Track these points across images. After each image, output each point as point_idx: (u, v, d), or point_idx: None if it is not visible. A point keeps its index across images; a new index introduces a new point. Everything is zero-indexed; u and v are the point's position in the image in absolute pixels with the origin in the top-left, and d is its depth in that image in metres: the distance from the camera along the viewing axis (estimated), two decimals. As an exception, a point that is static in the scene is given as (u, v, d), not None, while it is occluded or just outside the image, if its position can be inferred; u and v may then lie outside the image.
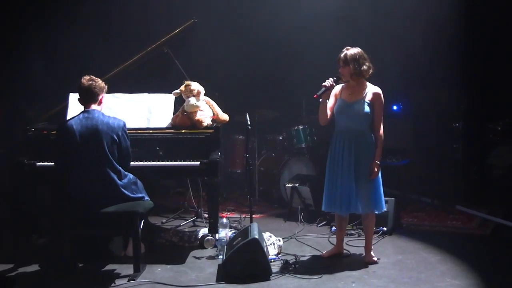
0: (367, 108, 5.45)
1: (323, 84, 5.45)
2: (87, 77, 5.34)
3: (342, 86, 5.64)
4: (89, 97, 5.32)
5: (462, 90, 8.72)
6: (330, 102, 5.63)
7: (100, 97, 5.37)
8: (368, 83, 5.56)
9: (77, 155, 5.17)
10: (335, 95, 5.65)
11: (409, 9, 8.42)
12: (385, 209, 5.71)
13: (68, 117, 5.82)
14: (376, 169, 5.44)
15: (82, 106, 5.38)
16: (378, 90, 5.53)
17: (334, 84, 5.50)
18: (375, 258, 5.62)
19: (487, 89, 8.66)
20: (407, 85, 9.01)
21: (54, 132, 5.73)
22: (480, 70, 8.66)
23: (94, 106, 5.33)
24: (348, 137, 5.50)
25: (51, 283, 5.10)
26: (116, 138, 5.22)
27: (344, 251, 5.89)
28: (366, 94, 5.49)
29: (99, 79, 5.39)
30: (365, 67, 5.43)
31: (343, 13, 8.67)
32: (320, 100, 5.52)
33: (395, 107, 9.25)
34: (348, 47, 5.50)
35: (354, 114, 5.48)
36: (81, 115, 5.28)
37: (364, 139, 5.48)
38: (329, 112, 5.60)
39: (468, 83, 8.70)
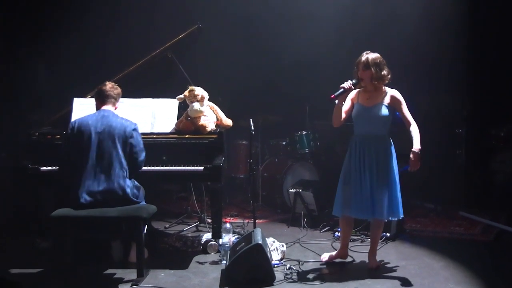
0: (385, 111, 5.46)
1: (341, 85, 5.40)
2: (110, 84, 5.56)
3: (359, 91, 5.61)
4: (108, 101, 5.49)
5: (465, 96, 8.72)
6: (346, 106, 5.59)
7: (117, 103, 5.57)
8: (385, 87, 5.55)
9: (90, 150, 5.23)
10: (352, 100, 5.62)
11: (412, 15, 8.43)
12: (402, 216, 5.63)
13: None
14: (417, 159, 5.42)
15: (95, 108, 5.55)
16: (394, 92, 5.54)
17: (353, 87, 5.44)
18: (378, 263, 5.63)
19: (490, 94, 8.65)
20: (410, 91, 8.95)
21: (58, 136, 5.80)
22: (483, 75, 8.66)
23: (109, 107, 5.48)
24: (367, 141, 5.49)
25: (55, 287, 5.09)
26: (129, 137, 5.32)
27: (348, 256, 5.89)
28: (384, 98, 5.49)
29: (118, 87, 5.59)
30: (385, 72, 5.44)
31: (346, 20, 8.69)
32: (336, 101, 5.47)
33: (397, 113, 9.23)
34: (368, 51, 5.50)
35: (373, 118, 5.48)
36: (97, 113, 5.43)
37: (383, 143, 5.49)
38: (343, 115, 5.57)
39: (471, 89, 8.70)
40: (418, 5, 8.47)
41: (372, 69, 5.40)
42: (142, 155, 5.48)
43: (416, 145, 5.45)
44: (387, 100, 5.50)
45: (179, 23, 7.48)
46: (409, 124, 5.53)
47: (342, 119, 5.56)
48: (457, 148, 8.65)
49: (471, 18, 8.60)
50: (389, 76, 5.49)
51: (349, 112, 5.61)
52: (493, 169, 8.51)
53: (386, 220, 5.63)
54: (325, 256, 5.78)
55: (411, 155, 5.42)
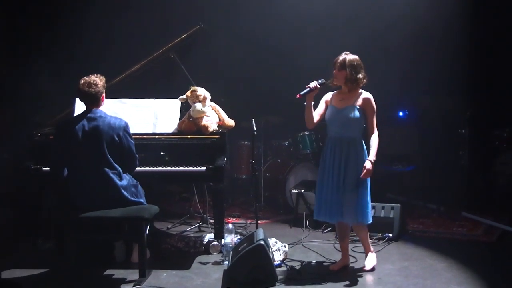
0: (356, 113, 5.36)
1: (308, 85, 5.38)
2: (85, 82, 5.27)
3: (333, 93, 5.59)
4: (89, 101, 5.31)
5: (468, 96, 8.71)
6: (320, 109, 5.58)
7: (101, 97, 5.36)
8: (360, 90, 5.47)
9: (77, 154, 5.18)
10: (326, 102, 5.60)
11: (414, 15, 8.44)
12: (370, 222, 5.49)
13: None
14: (368, 167, 5.25)
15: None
16: (368, 95, 5.44)
17: (319, 87, 5.39)
18: (371, 266, 5.56)
19: (493, 95, 8.65)
20: (413, 91, 9.00)
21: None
22: (486, 76, 8.66)
23: (96, 106, 5.33)
24: (338, 144, 5.42)
25: (57, 288, 5.10)
26: (117, 138, 5.21)
27: (351, 257, 5.84)
28: (356, 100, 5.41)
29: (97, 80, 5.30)
30: (360, 75, 5.36)
31: (348, 20, 8.72)
32: (305, 103, 5.46)
33: (401, 113, 9.25)
34: (347, 52, 5.45)
35: (344, 120, 5.40)
36: (83, 114, 5.30)
37: (354, 146, 5.38)
38: (317, 117, 5.54)
39: (474, 89, 8.70)
40: (420, 7, 8.47)
41: (347, 70, 5.34)
42: (132, 153, 5.39)
43: (372, 156, 5.31)
44: (359, 102, 5.40)
45: (181, 24, 7.48)
46: (372, 132, 5.40)
47: (315, 120, 5.53)
48: (459, 149, 8.63)
49: (474, 19, 8.59)
50: (365, 80, 5.41)
51: (324, 114, 5.59)
52: (496, 170, 8.50)
53: (361, 224, 5.50)
54: (333, 268, 5.65)
55: (368, 164, 5.27)
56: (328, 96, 5.62)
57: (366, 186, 5.39)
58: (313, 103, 5.48)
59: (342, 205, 5.37)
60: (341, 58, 5.40)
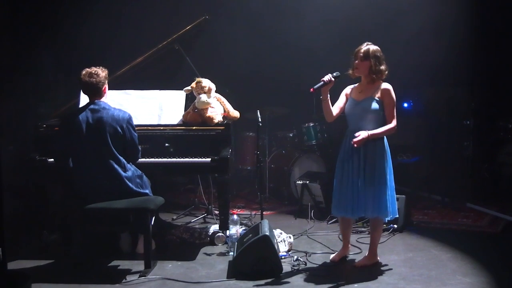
0: (375, 105, 5.24)
1: (322, 79, 5.26)
2: (86, 72, 5.27)
3: (354, 86, 5.49)
4: (92, 92, 5.31)
5: (473, 87, 8.69)
6: (340, 102, 5.49)
7: (103, 88, 5.35)
8: (381, 81, 5.34)
9: (81, 146, 5.19)
10: (346, 95, 5.50)
11: (419, 7, 8.41)
12: (388, 218, 5.36)
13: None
14: (360, 137, 5.09)
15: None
16: (387, 86, 5.31)
17: (333, 80, 5.25)
18: (361, 264, 5.47)
19: (498, 86, 8.63)
20: (418, 82, 8.98)
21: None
22: (491, 67, 8.63)
23: (99, 98, 5.33)
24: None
25: (63, 279, 5.09)
26: (120, 130, 5.20)
27: (355, 248, 5.87)
28: (375, 92, 5.28)
29: (99, 70, 5.30)
30: (383, 67, 5.25)
31: (353, 11, 8.69)
32: (321, 97, 5.38)
33: (405, 105, 9.23)
34: (369, 42, 5.32)
35: (362, 112, 5.28)
36: (86, 106, 5.30)
37: (373, 140, 5.22)
38: (337, 111, 5.45)
39: (479, 80, 8.67)
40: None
41: (372, 60, 5.22)
42: (135, 146, 5.39)
43: (372, 132, 5.17)
44: (378, 93, 5.28)
45: (186, 15, 7.47)
46: (389, 123, 5.26)
47: (335, 113, 5.44)
48: (464, 140, 8.63)
49: (479, 10, 8.56)
50: (387, 72, 5.28)
51: (344, 107, 5.49)
52: (500, 160, 8.50)
53: (386, 219, 5.41)
54: (335, 258, 5.61)
55: (363, 134, 5.10)
56: (348, 89, 5.53)
57: (385, 181, 5.25)
58: (328, 96, 5.38)
59: (359, 200, 5.25)
60: (364, 48, 5.27)
